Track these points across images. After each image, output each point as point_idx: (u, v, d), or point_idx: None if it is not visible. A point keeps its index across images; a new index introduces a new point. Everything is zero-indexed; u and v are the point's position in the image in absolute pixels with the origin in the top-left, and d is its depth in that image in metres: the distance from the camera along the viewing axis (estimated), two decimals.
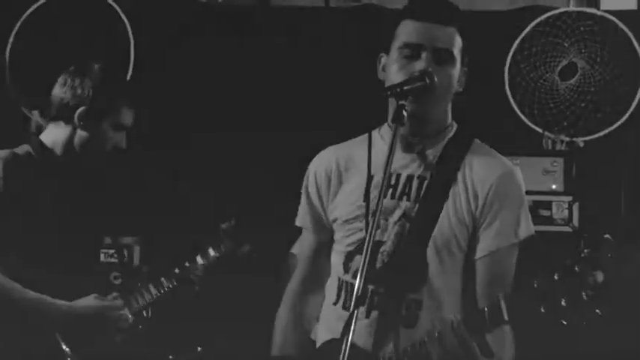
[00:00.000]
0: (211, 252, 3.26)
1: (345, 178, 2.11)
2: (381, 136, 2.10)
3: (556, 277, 1.71)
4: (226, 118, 4.48)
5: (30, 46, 4.48)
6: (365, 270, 1.74)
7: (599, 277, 1.66)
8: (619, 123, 4.42)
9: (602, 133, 4.43)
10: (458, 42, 2.03)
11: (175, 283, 3.05)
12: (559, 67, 4.52)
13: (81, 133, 2.65)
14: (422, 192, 2.01)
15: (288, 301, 2.26)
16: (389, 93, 1.89)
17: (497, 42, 4.44)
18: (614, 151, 4.41)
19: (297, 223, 2.24)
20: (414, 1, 2.09)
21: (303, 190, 2.20)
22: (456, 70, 2.03)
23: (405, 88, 1.89)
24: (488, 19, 4.51)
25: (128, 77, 4.44)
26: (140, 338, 3.02)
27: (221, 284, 4.07)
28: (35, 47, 4.46)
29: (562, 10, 4.52)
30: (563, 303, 1.69)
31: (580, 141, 4.42)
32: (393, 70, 2.01)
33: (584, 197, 4.25)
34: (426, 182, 2.01)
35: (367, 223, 1.88)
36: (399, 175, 2.04)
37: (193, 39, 4.51)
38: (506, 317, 1.76)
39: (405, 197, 2.02)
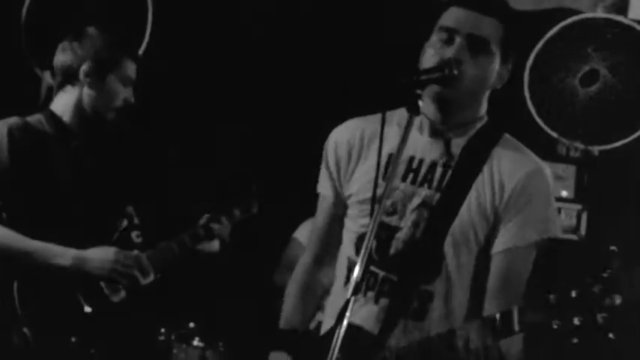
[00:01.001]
0: (237, 212, 3.23)
1: (366, 155, 2.05)
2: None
3: (573, 295, 1.66)
4: (237, 97, 4.45)
5: (45, 7, 4.45)
6: (367, 255, 1.69)
7: (617, 300, 1.61)
8: (636, 135, 4.36)
9: (618, 144, 4.37)
10: (497, 34, 1.97)
11: (198, 242, 3.03)
12: (580, 73, 4.45)
13: (89, 92, 2.66)
14: (445, 181, 1.96)
15: (299, 273, 2.23)
16: (406, 81, 1.84)
17: (520, 42, 4.37)
18: (628, 162, 4.35)
19: (319, 189, 2.19)
20: None
21: (323, 161, 2.15)
22: (494, 63, 1.98)
23: (422, 77, 1.85)
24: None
25: (142, 50, 4.42)
26: (133, 311, 3.01)
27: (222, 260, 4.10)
28: (50, 9, 4.42)
29: (589, 15, 4.45)
30: (576, 322, 1.65)
31: (595, 150, 4.36)
32: (428, 54, 1.98)
33: (593, 206, 4.21)
34: (449, 171, 1.96)
35: (373, 206, 1.82)
36: (421, 161, 1.99)
37: (211, 21, 4.47)
38: (517, 328, 1.72)
39: (425, 184, 1.97)
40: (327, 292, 2.23)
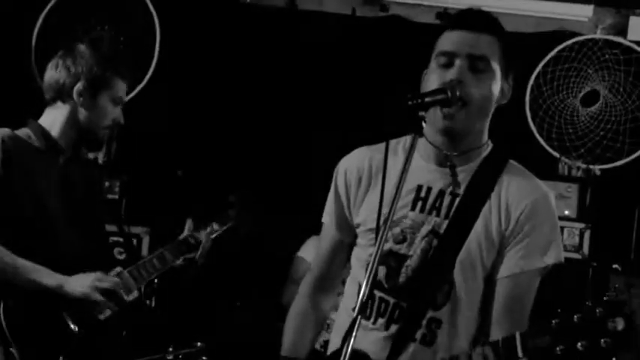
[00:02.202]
0: (215, 226, 3.25)
1: (375, 183, 2.06)
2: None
3: (575, 319, 1.66)
4: (243, 116, 4.50)
5: (57, 29, 4.52)
6: (371, 279, 1.69)
7: (620, 324, 1.62)
8: (637, 154, 4.40)
9: (619, 163, 4.41)
10: (497, 51, 1.96)
11: (180, 260, 3.02)
12: (581, 94, 4.51)
13: (81, 110, 2.68)
14: (453, 209, 1.97)
15: (300, 301, 2.22)
16: (410, 103, 1.82)
17: (521, 64, 4.43)
18: (630, 182, 4.39)
19: (323, 219, 2.18)
20: (455, 14, 2.05)
21: (332, 187, 2.15)
22: (495, 80, 1.96)
23: (426, 99, 1.83)
24: (513, 40, 4.49)
25: (150, 72, 4.48)
26: (141, 327, 3.01)
27: (225, 274, 4.11)
28: (62, 31, 4.50)
29: (588, 36, 4.51)
30: (579, 347, 1.65)
31: (597, 169, 4.40)
32: (430, 80, 1.97)
33: (596, 225, 4.23)
34: (457, 199, 1.97)
35: (377, 234, 1.83)
36: (429, 189, 2.00)
37: (219, 37, 4.54)
38: (520, 354, 1.71)
39: (434, 212, 1.98)
40: (326, 318, 2.24)
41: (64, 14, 4.53)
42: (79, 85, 2.65)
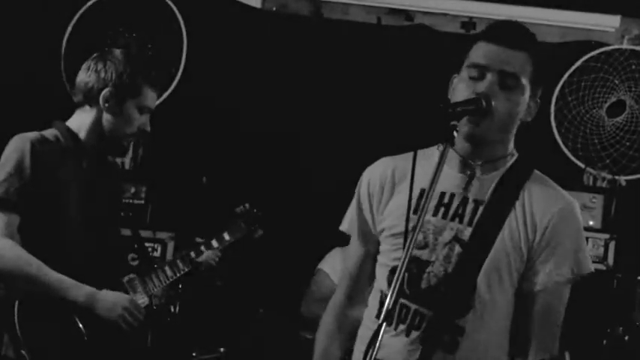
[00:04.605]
0: (226, 236, 3.27)
1: (398, 190, 2.07)
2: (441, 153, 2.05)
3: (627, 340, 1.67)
4: (267, 123, 4.52)
5: (86, 36, 4.58)
6: (397, 285, 1.69)
7: None
8: None
9: None
10: (528, 69, 1.96)
11: (191, 266, 3.04)
12: (607, 104, 4.48)
13: (106, 116, 2.69)
14: (477, 216, 1.97)
15: (330, 314, 2.23)
16: (448, 112, 1.83)
17: (547, 74, 4.42)
18: None
19: (343, 227, 2.20)
20: (491, 25, 2.04)
21: (355, 197, 2.16)
22: (523, 97, 1.97)
23: (458, 109, 1.85)
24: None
25: (177, 79, 4.52)
26: (166, 333, 3.04)
27: (246, 283, 4.13)
28: (91, 37, 4.56)
29: (614, 47, 4.49)
30: None
31: (622, 179, 4.37)
32: (459, 89, 1.98)
33: (621, 236, 4.20)
34: (481, 207, 1.98)
35: (405, 239, 1.83)
36: (452, 196, 2.00)
37: (245, 45, 4.57)
38: None
39: (457, 219, 1.98)
40: (356, 329, 2.21)
41: (93, 21, 4.59)
42: (106, 91, 2.66)
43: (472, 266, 1.94)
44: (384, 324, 1.67)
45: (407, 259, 1.70)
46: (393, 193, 2.08)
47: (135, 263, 2.89)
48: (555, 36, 4.54)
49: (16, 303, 2.51)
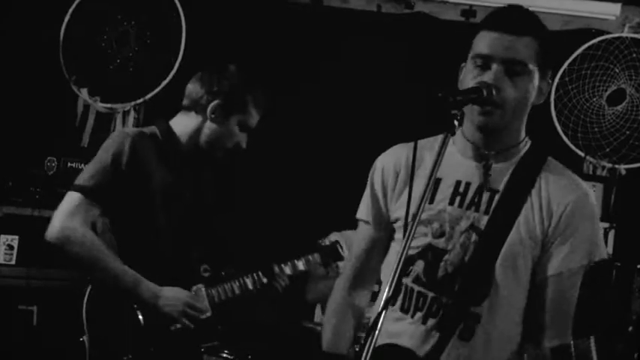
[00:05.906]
0: (300, 265, 3.20)
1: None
2: (453, 142, 2.05)
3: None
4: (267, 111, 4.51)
5: (83, 28, 4.57)
6: (399, 270, 1.67)
7: None
8: None
9: None
10: (533, 51, 1.93)
11: (259, 287, 3.03)
12: (607, 92, 4.47)
13: (210, 125, 2.79)
14: (493, 205, 1.97)
15: (336, 297, 2.24)
16: (450, 100, 1.80)
17: (555, 54, 4.39)
18: None
19: (358, 215, 2.19)
20: (492, 12, 2.02)
21: (368, 184, 2.16)
22: (532, 82, 1.95)
23: (458, 98, 1.82)
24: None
25: (175, 67, 4.51)
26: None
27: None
28: (88, 26, 4.55)
29: (615, 35, 4.47)
30: None
31: (622, 168, 4.37)
32: (466, 80, 1.97)
33: (621, 225, 4.20)
34: (497, 196, 1.98)
35: (406, 225, 1.79)
36: (468, 184, 2.00)
37: (245, 33, 4.56)
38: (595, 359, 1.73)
39: (473, 207, 1.99)
40: (363, 314, 2.25)
41: (92, 9, 4.57)
42: (215, 103, 2.78)
43: (489, 254, 1.95)
44: (389, 310, 1.66)
45: (405, 251, 1.68)
46: (407, 181, 2.06)
47: (206, 275, 2.94)
48: (556, 24, 4.52)
49: (89, 289, 2.64)
